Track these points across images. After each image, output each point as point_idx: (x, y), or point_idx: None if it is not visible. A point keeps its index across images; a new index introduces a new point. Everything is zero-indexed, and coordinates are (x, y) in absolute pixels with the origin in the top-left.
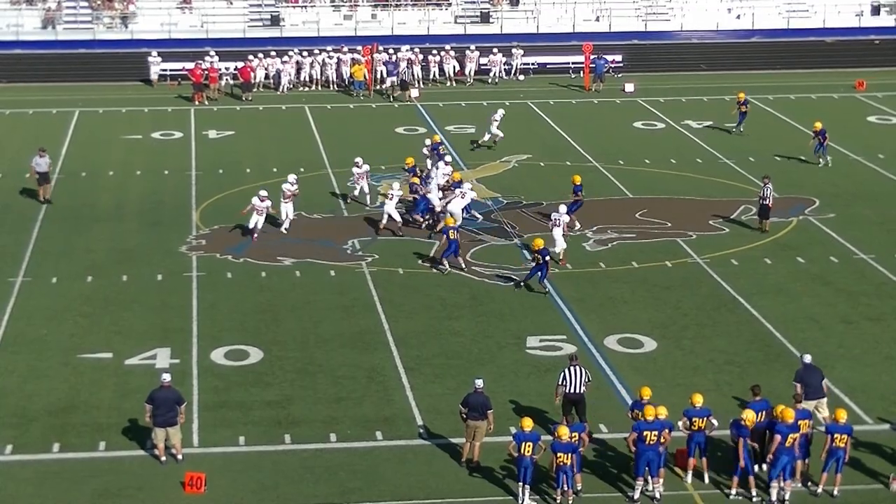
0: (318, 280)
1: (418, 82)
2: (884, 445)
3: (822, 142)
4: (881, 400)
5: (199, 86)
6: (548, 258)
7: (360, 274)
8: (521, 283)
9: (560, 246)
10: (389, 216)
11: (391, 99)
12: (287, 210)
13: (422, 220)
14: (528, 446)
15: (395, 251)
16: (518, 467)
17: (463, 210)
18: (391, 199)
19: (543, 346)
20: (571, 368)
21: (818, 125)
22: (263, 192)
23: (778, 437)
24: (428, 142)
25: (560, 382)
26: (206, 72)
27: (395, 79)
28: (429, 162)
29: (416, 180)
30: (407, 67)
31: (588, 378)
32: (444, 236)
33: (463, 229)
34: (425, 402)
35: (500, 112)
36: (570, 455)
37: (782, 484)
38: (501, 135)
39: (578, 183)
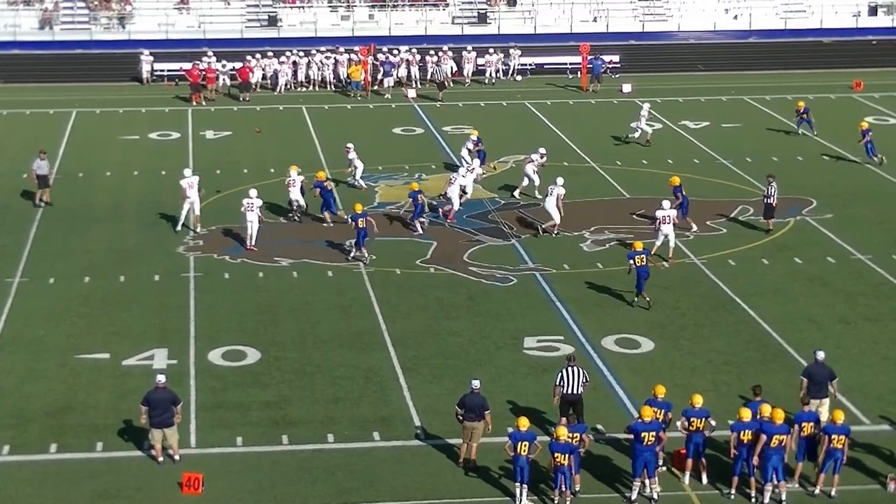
0: (316, 280)
1: (416, 83)
2: (881, 446)
3: (806, 118)
4: (879, 400)
5: (196, 86)
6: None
7: (357, 274)
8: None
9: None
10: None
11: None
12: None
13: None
14: (525, 446)
15: (393, 252)
16: (515, 467)
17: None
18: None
19: (541, 346)
20: (569, 369)
21: (801, 104)
22: (254, 192)
23: (763, 438)
24: (474, 137)
25: (557, 383)
26: (204, 72)
27: (392, 79)
28: (467, 156)
29: (416, 186)
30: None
31: (586, 379)
32: (353, 223)
33: (460, 230)
34: (423, 403)
35: (646, 106)
36: (567, 455)
37: (776, 485)
38: (650, 130)
39: (678, 184)
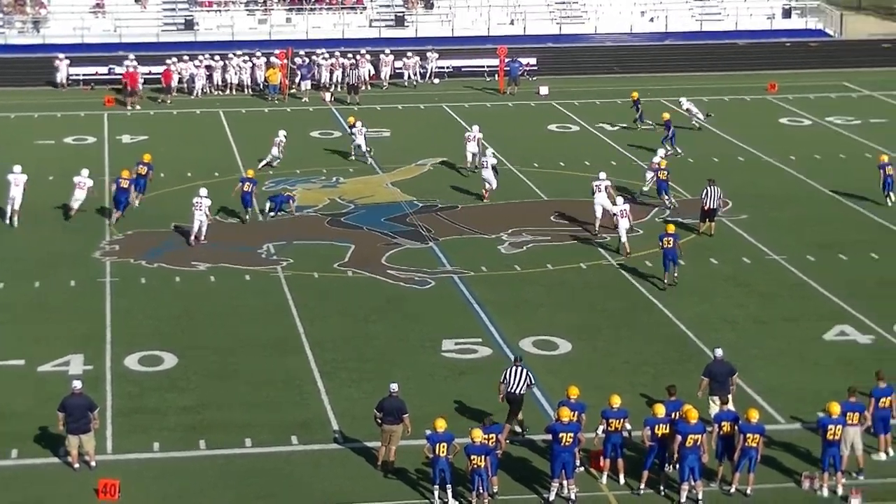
0: (234, 285)
1: (334, 86)
2: (796, 445)
3: (669, 133)
4: (794, 400)
5: (131, 91)
6: None
7: (275, 278)
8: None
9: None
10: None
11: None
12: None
13: None
14: (443, 447)
15: (311, 255)
16: (433, 469)
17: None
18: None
19: (459, 348)
20: (514, 369)
21: (635, 94)
22: (203, 191)
23: (678, 438)
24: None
25: (502, 380)
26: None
27: (309, 82)
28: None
29: None
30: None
31: (530, 381)
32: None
33: (378, 233)
34: (341, 406)
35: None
36: (483, 457)
37: (692, 485)
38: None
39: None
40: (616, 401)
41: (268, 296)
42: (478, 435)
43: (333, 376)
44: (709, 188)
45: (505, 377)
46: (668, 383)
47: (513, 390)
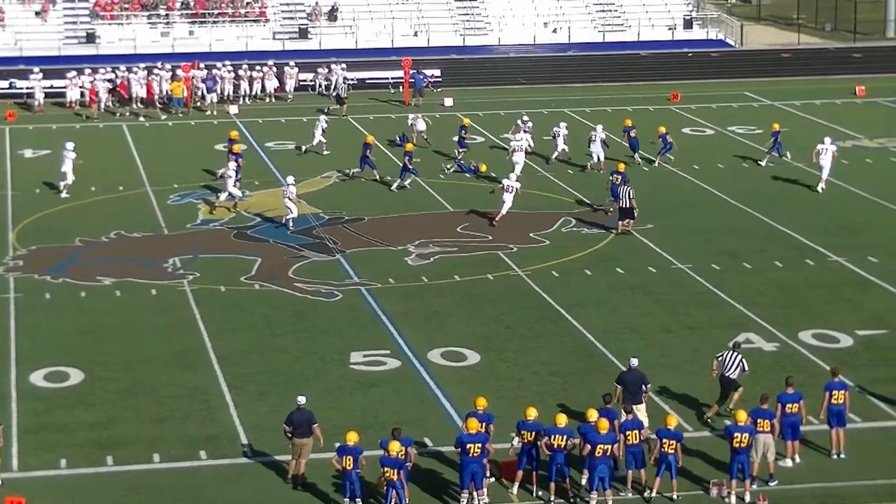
0: (139, 299)
1: (242, 99)
2: (704, 452)
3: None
4: (701, 407)
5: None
6: None
7: (181, 292)
8: None
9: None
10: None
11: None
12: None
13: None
14: (349, 460)
15: (217, 269)
16: (343, 482)
17: None
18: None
19: (367, 361)
20: (730, 354)
21: (466, 121)
22: (291, 179)
23: (588, 448)
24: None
25: (717, 357)
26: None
27: (215, 95)
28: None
29: None
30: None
31: (744, 367)
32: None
33: (285, 245)
34: (250, 420)
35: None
36: (396, 471)
37: (604, 495)
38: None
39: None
40: (532, 413)
41: (174, 310)
42: (394, 447)
43: (241, 390)
44: (622, 188)
45: (721, 358)
46: (575, 393)
47: (726, 373)
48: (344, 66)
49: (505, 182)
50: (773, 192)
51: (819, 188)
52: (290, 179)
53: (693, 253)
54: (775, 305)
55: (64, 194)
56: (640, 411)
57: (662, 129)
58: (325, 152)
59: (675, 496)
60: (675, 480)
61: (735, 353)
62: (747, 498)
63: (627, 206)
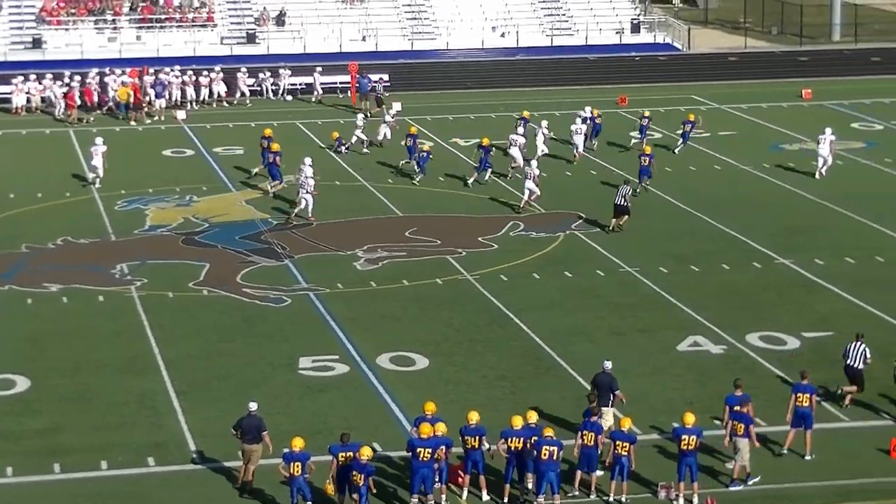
0: (87, 306)
1: (191, 104)
2: (654, 455)
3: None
4: (651, 410)
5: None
6: None
7: (129, 298)
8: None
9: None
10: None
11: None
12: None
13: None
14: (297, 466)
15: (165, 275)
16: (291, 488)
17: None
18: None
19: (316, 366)
20: (854, 344)
21: (412, 129)
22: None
23: (534, 452)
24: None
25: (843, 354)
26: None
27: (163, 101)
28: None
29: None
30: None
31: (866, 357)
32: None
33: (233, 251)
34: (198, 426)
35: (544, 124)
36: (364, 476)
37: (552, 499)
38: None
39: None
40: (474, 417)
41: (122, 316)
42: (367, 452)
43: (189, 396)
44: (621, 186)
45: (846, 351)
46: (523, 397)
47: (852, 364)
48: (289, 71)
49: (527, 170)
50: (721, 196)
51: (817, 175)
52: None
53: (641, 256)
54: (723, 308)
55: (97, 185)
56: (607, 414)
57: (649, 149)
58: (365, 151)
59: (623, 498)
60: (627, 483)
61: (859, 343)
62: (695, 500)
63: (622, 203)
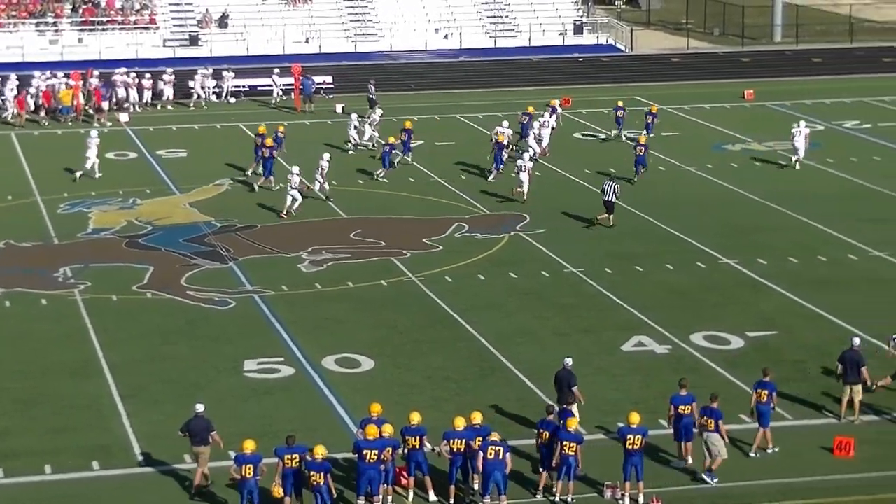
0: (30, 309)
1: (134, 107)
2: (598, 455)
3: (407, 142)
4: (595, 410)
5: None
6: None
7: (72, 302)
8: None
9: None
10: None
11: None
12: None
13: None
14: (249, 468)
15: (109, 278)
16: (241, 491)
17: None
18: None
19: (261, 368)
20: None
21: (408, 122)
22: (296, 168)
23: (481, 453)
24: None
25: (891, 346)
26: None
27: (106, 103)
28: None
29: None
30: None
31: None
32: None
33: (177, 254)
34: (143, 429)
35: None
36: (321, 474)
37: (498, 499)
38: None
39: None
40: (415, 418)
41: (65, 320)
42: (321, 451)
43: (135, 399)
44: (607, 183)
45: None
46: (469, 398)
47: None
48: (233, 73)
49: (519, 162)
50: (664, 196)
51: (796, 165)
52: (296, 169)
53: (586, 257)
54: (667, 308)
55: (96, 175)
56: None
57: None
58: (351, 151)
59: (570, 498)
60: (573, 483)
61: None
62: (640, 500)
63: (610, 199)
